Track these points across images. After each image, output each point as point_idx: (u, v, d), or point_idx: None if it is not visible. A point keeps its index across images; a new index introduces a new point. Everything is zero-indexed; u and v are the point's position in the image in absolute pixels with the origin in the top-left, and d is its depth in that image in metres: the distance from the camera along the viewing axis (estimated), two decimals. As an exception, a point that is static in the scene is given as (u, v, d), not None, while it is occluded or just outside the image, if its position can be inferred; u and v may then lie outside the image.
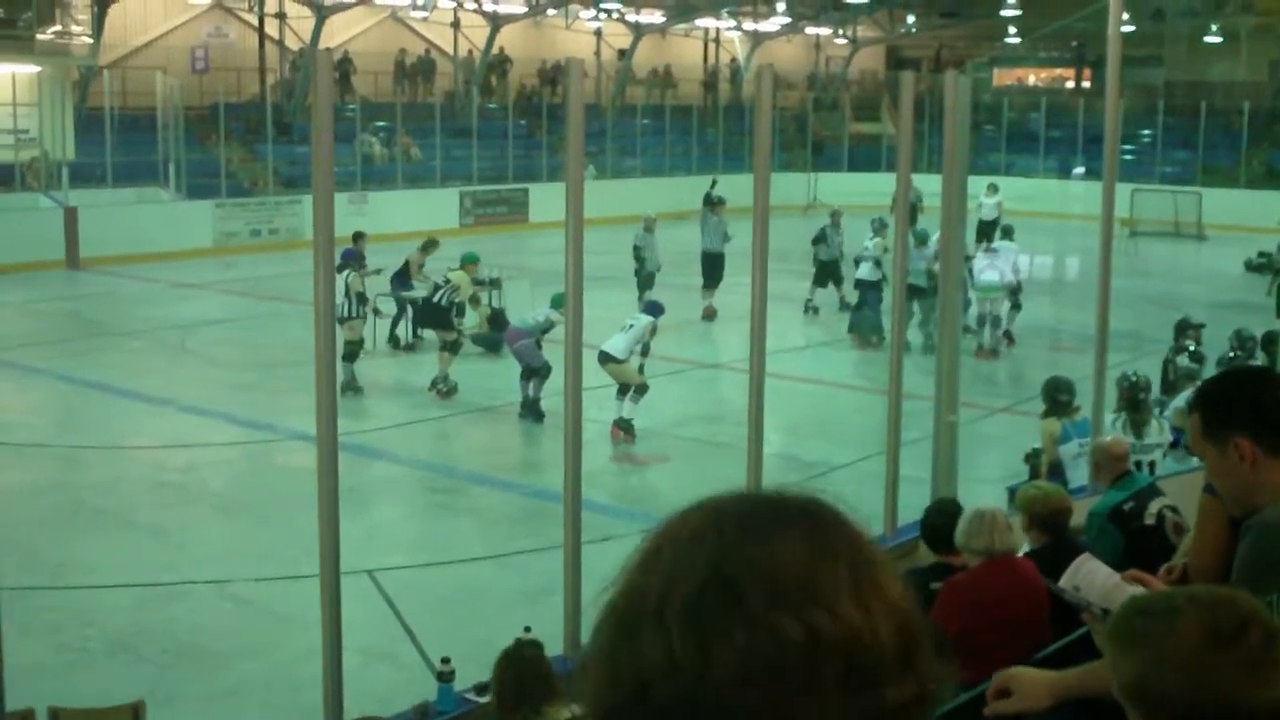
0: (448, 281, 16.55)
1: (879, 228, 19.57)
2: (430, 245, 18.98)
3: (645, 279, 20.47)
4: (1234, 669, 2.08)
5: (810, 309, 21.37)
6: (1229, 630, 2.09)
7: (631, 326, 14.42)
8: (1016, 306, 19.07)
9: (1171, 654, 2.12)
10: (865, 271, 19.13)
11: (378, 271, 17.96)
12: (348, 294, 15.94)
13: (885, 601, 1.07)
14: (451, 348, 16.04)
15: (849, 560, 1.08)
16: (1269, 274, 25.15)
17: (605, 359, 13.86)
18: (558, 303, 13.69)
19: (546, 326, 14.67)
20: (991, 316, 18.43)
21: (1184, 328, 14.09)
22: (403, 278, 18.56)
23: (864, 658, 1.05)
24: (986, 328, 18.28)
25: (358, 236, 17.73)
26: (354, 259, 16.68)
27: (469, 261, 17.07)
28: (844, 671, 1.04)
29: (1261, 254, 26.77)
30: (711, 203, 21.61)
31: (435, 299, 16.48)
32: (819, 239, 21.48)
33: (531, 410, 14.74)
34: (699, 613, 1.05)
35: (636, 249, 20.91)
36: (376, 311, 17.71)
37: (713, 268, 21.16)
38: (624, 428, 13.90)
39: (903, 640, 1.07)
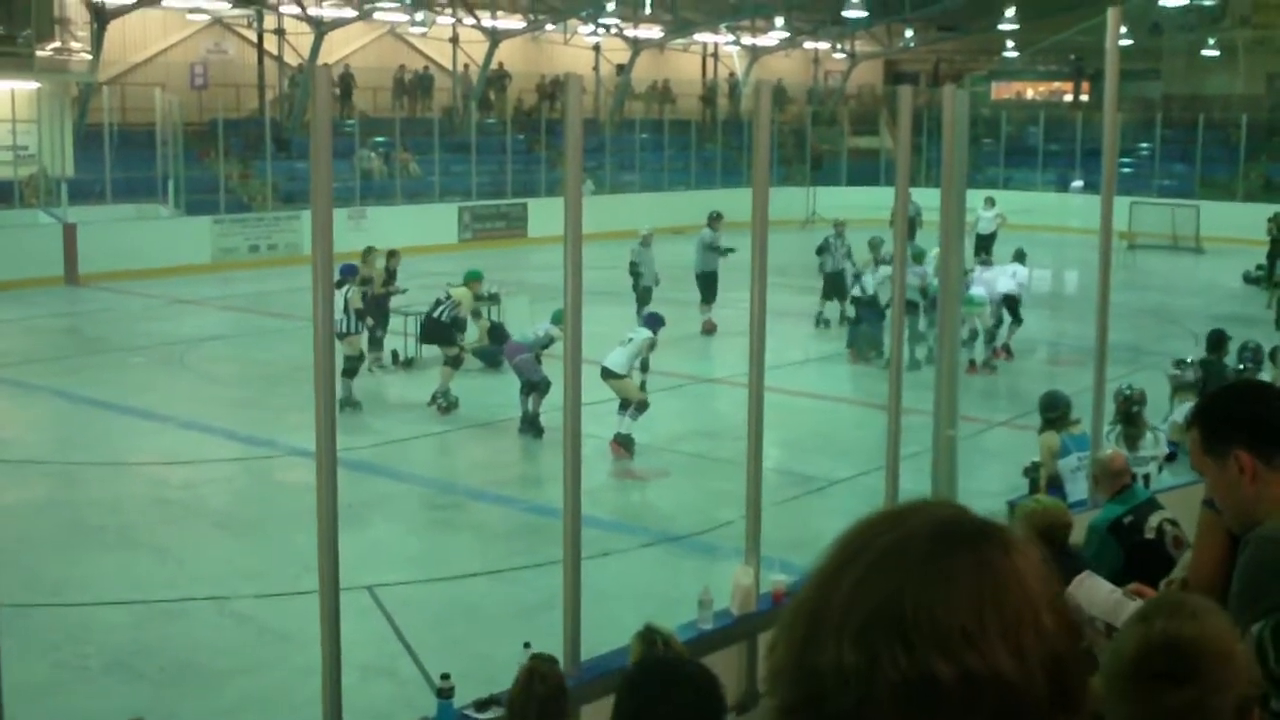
0: (449, 297, 16.54)
1: (876, 245, 19.41)
2: (369, 253, 18.60)
3: (642, 293, 20.46)
4: (1141, 711, 2.05)
5: (821, 322, 21.44)
6: (1148, 673, 2.06)
7: (630, 340, 14.42)
8: (1018, 321, 19.03)
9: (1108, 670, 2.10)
10: (865, 287, 19.08)
11: (404, 291, 18.06)
12: (346, 309, 15.97)
13: (1042, 643, 1.13)
14: (453, 363, 16.04)
15: (1012, 600, 1.14)
16: (1265, 286, 25.19)
17: (606, 374, 13.88)
18: (558, 318, 13.69)
19: (546, 342, 14.67)
20: (985, 331, 18.36)
21: (1219, 340, 13.97)
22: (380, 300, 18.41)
23: (1015, 701, 1.10)
24: (978, 342, 18.17)
25: (392, 254, 17.93)
26: (353, 274, 16.73)
27: (472, 279, 17.04)
28: (995, 712, 1.10)
29: (1259, 266, 26.81)
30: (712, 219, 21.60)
31: (436, 314, 16.47)
32: (822, 249, 21.51)
33: (531, 425, 14.73)
34: (870, 638, 1.11)
35: (633, 264, 20.90)
36: (375, 327, 17.83)
37: (707, 285, 21.14)
38: (623, 444, 13.89)
39: (1057, 683, 1.13)
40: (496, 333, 17.92)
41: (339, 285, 16.13)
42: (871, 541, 1.18)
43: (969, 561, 1.15)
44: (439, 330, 16.41)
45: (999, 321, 18.84)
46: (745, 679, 7.17)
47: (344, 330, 15.72)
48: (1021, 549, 1.19)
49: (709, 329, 20.94)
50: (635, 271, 20.88)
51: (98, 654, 9.14)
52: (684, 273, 21.80)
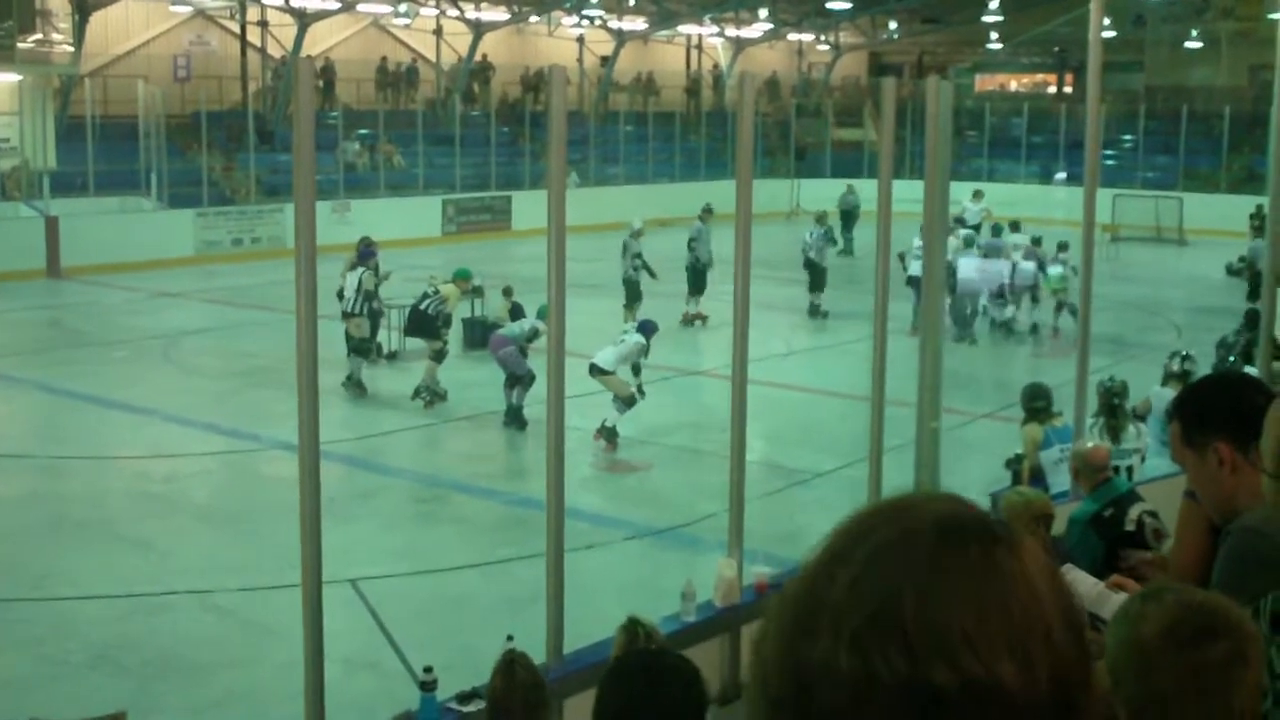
0: (436, 292, 16.52)
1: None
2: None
3: (633, 287, 20.36)
4: (1181, 675, 2.09)
5: (821, 314, 21.53)
6: (1186, 634, 2.11)
7: (623, 341, 14.43)
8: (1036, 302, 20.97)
9: (1127, 645, 2.14)
10: (917, 269, 19.09)
11: (387, 275, 18.12)
12: (359, 291, 16.37)
13: (1051, 653, 1.08)
14: (436, 357, 16.05)
15: (1020, 605, 1.08)
16: (1248, 278, 25.20)
17: (594, 370, 13.89)
18: (543, 313, 13.66)
19: (531, 335, 14.67)
20: (1068, 305, 19.86)
21: (1255, 319, 13.98)
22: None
23: (1016, 712, 1.06)
24: (1063, 312, 20.06)
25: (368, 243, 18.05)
26: (372, 258, 17.14)
27: (461, 277, 17.06)
28: None
29: (1242, 259, 26.87)
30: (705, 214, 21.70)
31: (422, 308, 16.46)
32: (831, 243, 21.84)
33: (515, 418, 14.73)
34: (866, 639, 1.06)
35: (637, 255, 20.72)
36: (379, 313, 17.85)
37: (699, 278, 21.15)
38: (606, 435, 13.89)
39: (1063, 695, 1.08)
40: (515, 312, 18.04)
41: (352, 268, 16.45)
42: (869, 536, 1.12)
43: (976, 562, 1.09)
44: (423, 323, 16.41)
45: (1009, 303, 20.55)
46: (728, 671, 7.18)
47: (352, 311, 16.28)
48: (1028, 553, 1.12)
49: (699, 318, 20.91)
50: (692, 248, 21.07)
51: (81, 648, 9.11)
52: (671, 264, 21.75)
